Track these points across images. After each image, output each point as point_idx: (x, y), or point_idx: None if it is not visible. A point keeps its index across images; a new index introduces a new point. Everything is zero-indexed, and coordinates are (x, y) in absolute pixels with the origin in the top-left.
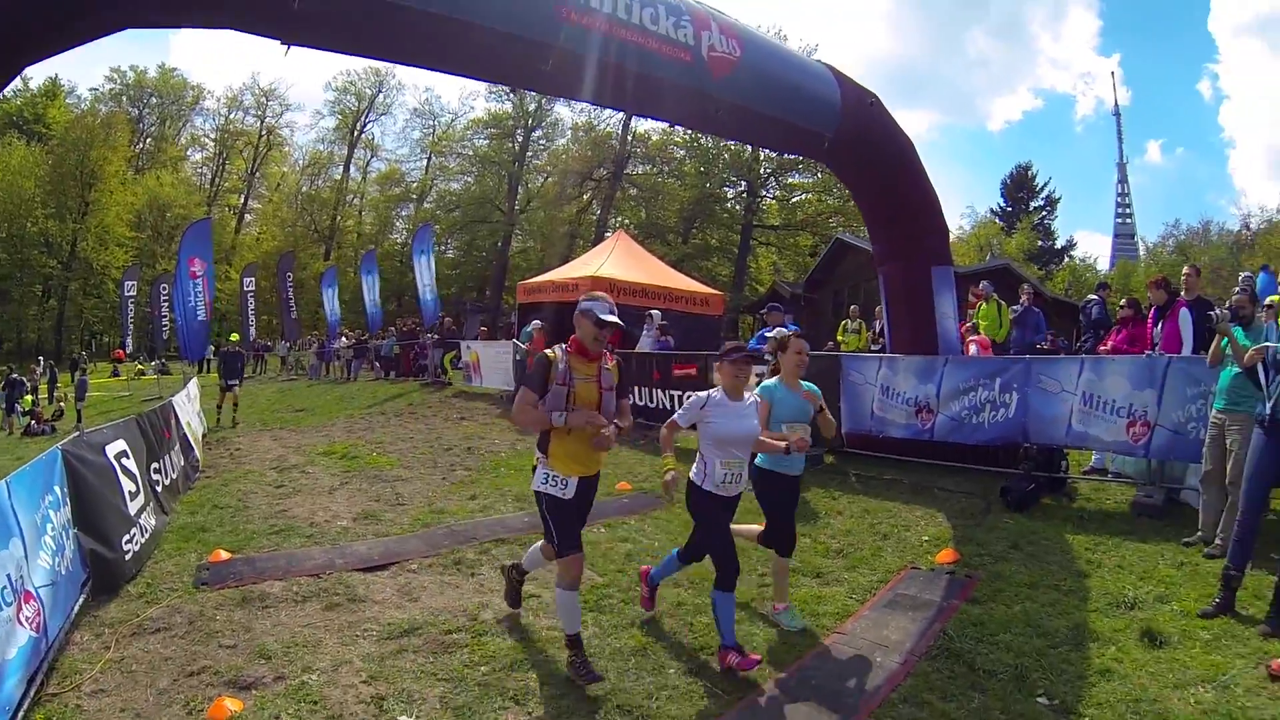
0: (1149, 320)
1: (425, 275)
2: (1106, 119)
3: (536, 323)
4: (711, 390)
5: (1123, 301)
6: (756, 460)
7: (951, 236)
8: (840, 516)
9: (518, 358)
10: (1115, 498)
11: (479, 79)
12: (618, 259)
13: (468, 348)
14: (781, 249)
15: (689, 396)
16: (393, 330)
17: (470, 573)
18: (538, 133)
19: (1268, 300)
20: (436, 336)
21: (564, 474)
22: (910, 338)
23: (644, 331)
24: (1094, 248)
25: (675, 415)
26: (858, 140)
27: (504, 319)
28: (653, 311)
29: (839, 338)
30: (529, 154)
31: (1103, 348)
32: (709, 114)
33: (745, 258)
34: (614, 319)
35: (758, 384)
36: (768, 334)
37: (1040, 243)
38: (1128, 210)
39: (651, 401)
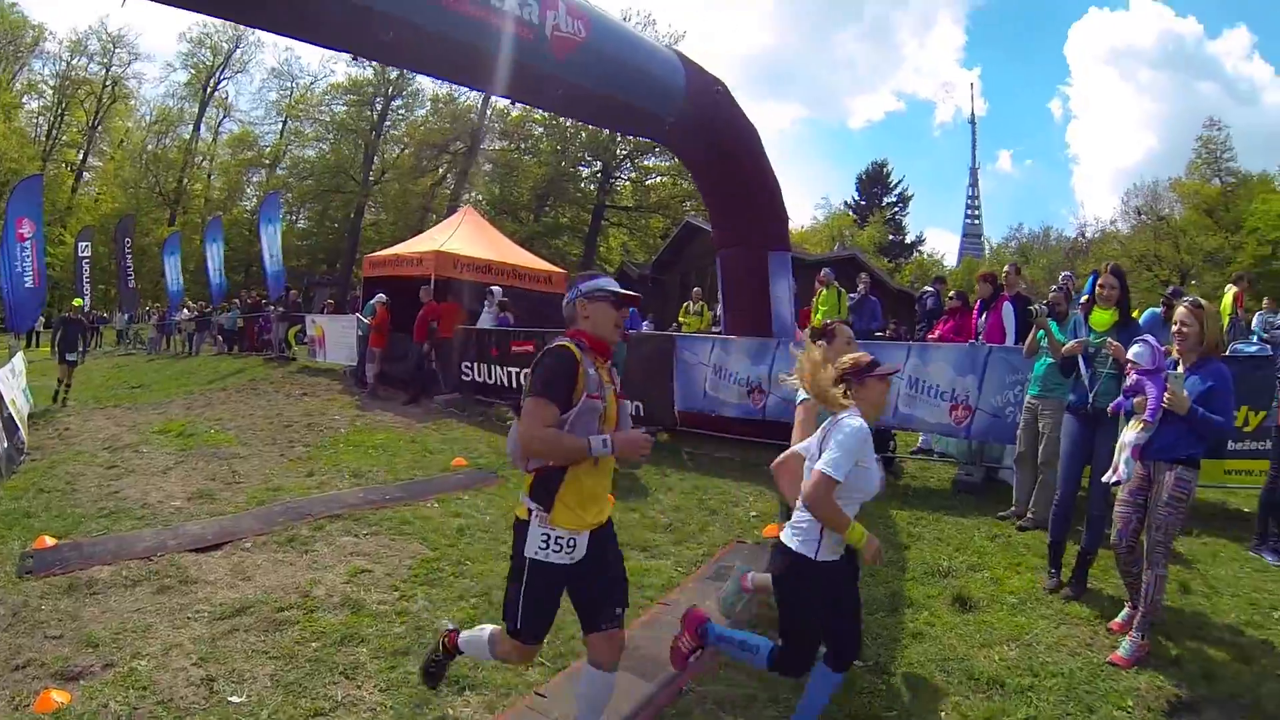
0: (974, 312)
1: (272, 245)
2: (963, 126)
3: (381, 297)
4: (859, 420)
5: (951, 293)
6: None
7: (805, 226)
8: (670, 493)
9: (360, 333)
10: (939, 476)
11: (318, 44)
12: (464, 234)
13: (312, 322)
14: (633, 230)
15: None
16: (236, 302)
17: (304, 549)
18: (398, 102)
19: (1083, 297)
20: (281, 310)
21: (572, 530)
22: (746, 320)
23: (484, 307)
24: (943, 245)
25: (829, 467)
26: (701, 125)
27: (352, 293)
28: (494, 288)
29: (681, 319)
30: (387, 123)
31: (930, 336)
32: (550, 93)
33: (595, 237)
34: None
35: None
36: None
37: (891, 237)
38: (976, 212)
39: (490, 378)
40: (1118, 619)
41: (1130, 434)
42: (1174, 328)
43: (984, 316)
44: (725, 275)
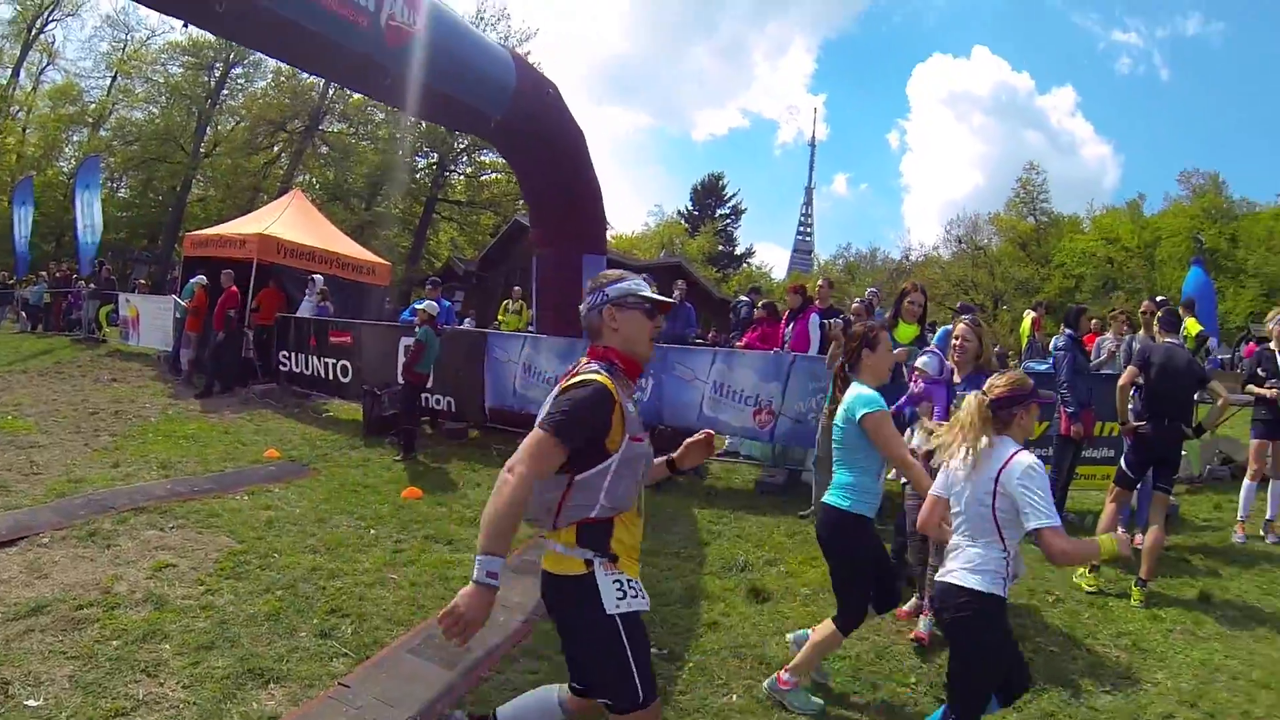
0: (782, 321)
1: (87, 214)
2: (804, 148)
3: (200, 278)
4: (1028, 455)
5: (760, 304)
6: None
7: (636, 231)
8: (478, 488)
9: (178, 315)
10: (744, 477)
11: (149, 6)
12: (290, 219)
13: (126, 301)
14: (463, 225)
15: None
16: (44, 275)
17: (106, 544)
18: (238, 70)
19: (886, 314)
20: (93, 287)
21: (633, 576)
22: (557, 320)
23: (305, 296)
24: (773, 259)
25: (1053, 519)
26: (527, 126)
27: (172, 273)
28: (315, 276)
29: (500, 317)
30: (225, 92)
31: (739, 344)
32: (377, 81)
33: (425, 230)
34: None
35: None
36: (417, 306)
37: (721, 247)
38: (809, 230)
39: (307, 369)
40: (905, 606)
41: (917, 439)
42: (954, 342)
43: (791, 326)
44: (540, 274)
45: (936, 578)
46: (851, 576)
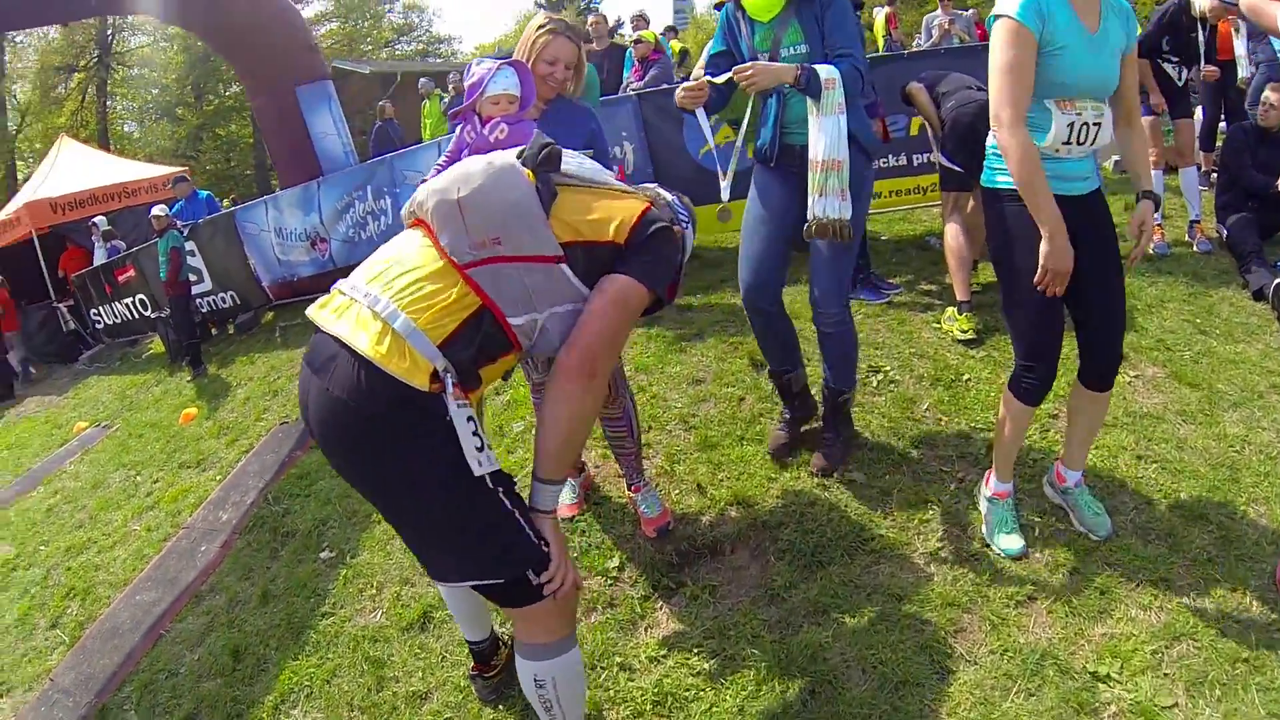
0: None
1: None
2: None
3: None
4: None
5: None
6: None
7: (499, 38)
8: (251, 382)
9: None
10: None
11: None
12: (59, 172)
13: None
14: None
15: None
16: None
17: None
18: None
19: None
20: None
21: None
22: (294, 169)
23: (94, 245)
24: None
25: None
26: None
27: None
28: (95, 220)
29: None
30: (6, 60)
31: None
32: None
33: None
34: None
35: None
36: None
37: (591, 18)
38: None
39: (116, 317)
40: None
41: None
42: None
43: None
44: (264, 128)
45: None
46: None
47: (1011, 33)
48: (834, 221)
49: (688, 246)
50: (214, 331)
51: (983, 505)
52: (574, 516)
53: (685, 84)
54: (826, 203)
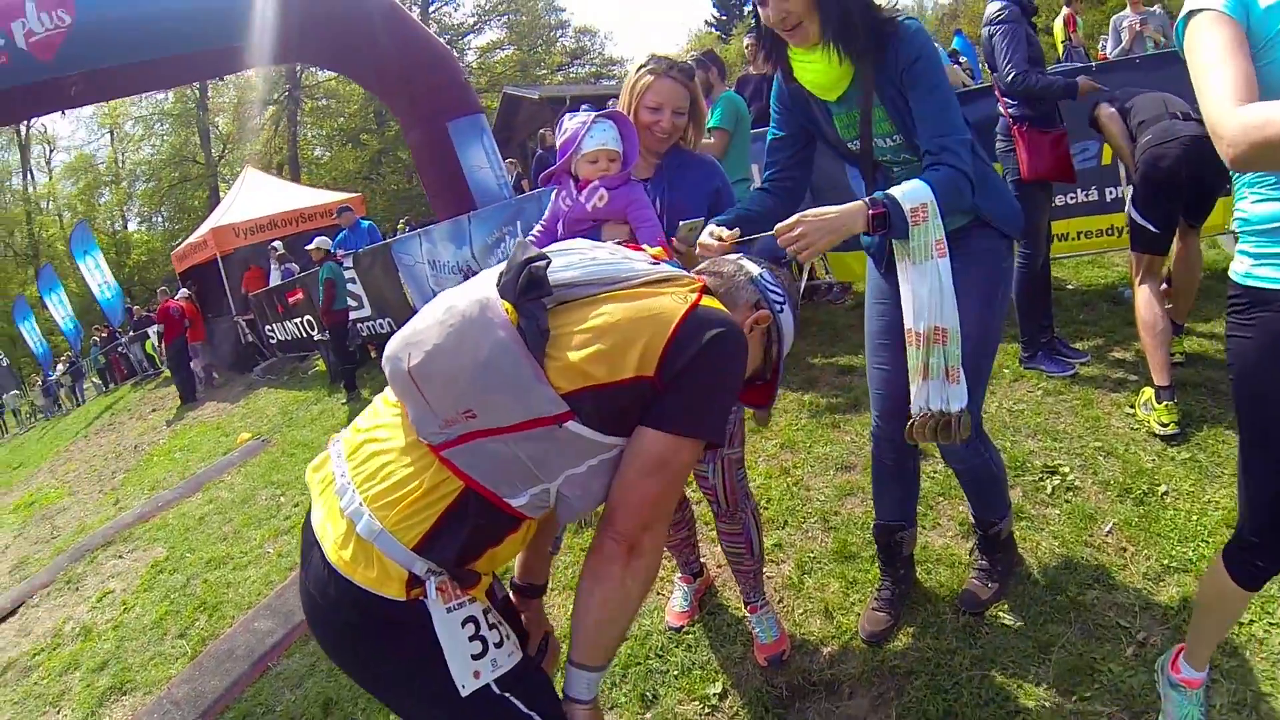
0: None
1: (95, 274)
2: None
3: (183, 291)
4: None
5: None
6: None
7: (673, 53)
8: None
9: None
10: None
11: (20, 120)
12: (244, 198)
13: (156, 330)
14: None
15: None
16: (94, 341)
17: (75, 587)
18: None
19: None
20: (131, 332)
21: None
22: (448, 202)
23: (272, 269)
24: None
25: None
26: (313, 26)
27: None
28: (274, 244)
29: None
30: (209, 95)
31: None
32: (66, 92)
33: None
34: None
35: None
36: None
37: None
38: None
39: (286, 335)
40: None
41: None
42: None
43: None
44: (419, 161)
45: None
46: None
47: (1212, 22)
48: (944, 416)
49: (785, 334)
50: (373, 354)
51: (1163, 688)
52: (682, 627)
53: (705, 235)
54: (930, 391)
